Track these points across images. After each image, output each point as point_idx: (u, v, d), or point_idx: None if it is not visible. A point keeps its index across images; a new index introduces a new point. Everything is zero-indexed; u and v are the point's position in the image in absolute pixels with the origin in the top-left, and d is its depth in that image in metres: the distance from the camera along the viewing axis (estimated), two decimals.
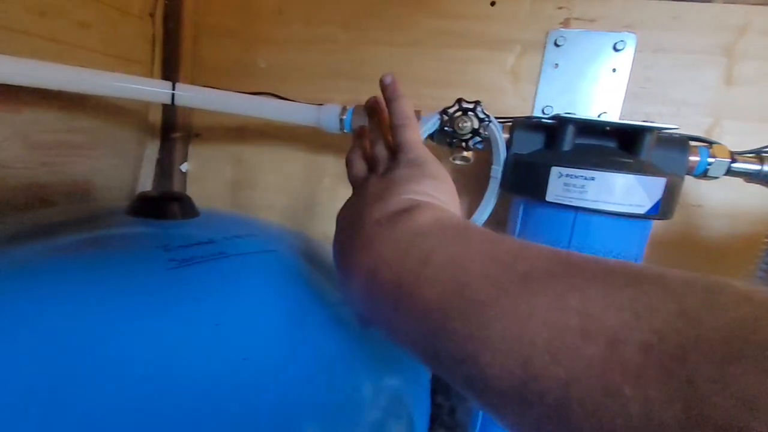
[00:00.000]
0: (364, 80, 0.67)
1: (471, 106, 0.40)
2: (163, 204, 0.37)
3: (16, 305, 0.24)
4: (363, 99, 0.67)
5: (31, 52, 0.45)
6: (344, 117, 0.55)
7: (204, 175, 0.78)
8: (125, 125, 0.65)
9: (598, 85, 0.57)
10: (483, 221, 0.52)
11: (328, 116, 0.56)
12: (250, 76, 0.71)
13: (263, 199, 0.76)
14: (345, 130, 0.56)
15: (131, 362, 0.23)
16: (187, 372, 0.24)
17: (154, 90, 0.53)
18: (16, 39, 0.45)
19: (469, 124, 0.41)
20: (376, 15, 0.66)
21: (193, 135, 0.77)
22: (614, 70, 0.56)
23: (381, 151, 0.30)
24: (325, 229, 0.73)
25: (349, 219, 0.27)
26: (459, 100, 0.41)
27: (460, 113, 0.40)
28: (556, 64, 0.59)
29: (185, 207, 0.39)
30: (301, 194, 0.74)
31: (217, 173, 0.77)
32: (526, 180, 0.45)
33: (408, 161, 0.27)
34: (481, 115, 0.41)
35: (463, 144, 0.42)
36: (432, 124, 0.42)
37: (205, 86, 0.62)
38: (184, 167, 0.78)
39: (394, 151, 0.29)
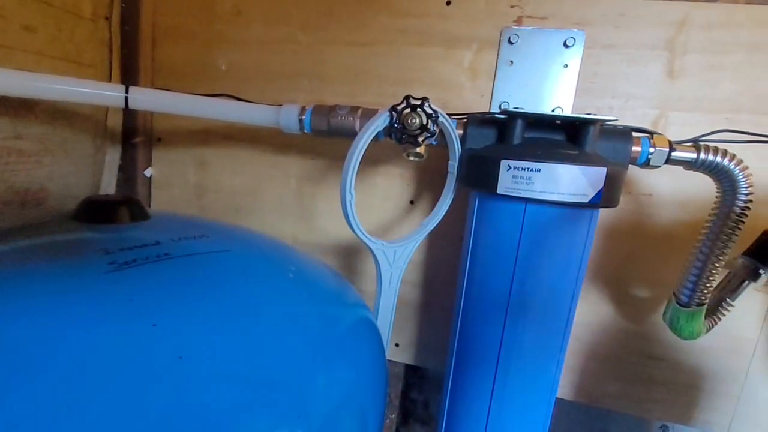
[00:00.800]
0: (325, 80, 0.68)
1: (419, 102, 0.41)
2: (110, 208, 0.37)
3: None
4: (325, 99, 0.67)
5: None
6: (303, 117, 0.55)
7: (169, 180, 0.77)
8: (80, 130, 0.63)
9: (551, 81, 0.59)
10: (441, 216, 0.53)
11: (287, 117, 0.56)
12: (211, 78, 0.71)
13: (229, 202, 0.75)
14: (305, 131, 0.56)
15: (65, 364, 0.23)
16: (122, 371, 0.24)
17: (106, 93, 0.52)
18: None
19: (418, 120, 0.41)
20: (335, 15, 0.66)
21: (155, 139, 0.75)
22: (566, 65, 0.58)
23: None
24: (293, 230, 0.73)
25: None
26: (407, 97, 0.42)
27: (408, 110, 0.41)
28: (511, 61, 0.60)
29: (134, 210, 0.38)
30: (267, 196, 0.73)
31: (182, 177, 0.76)
32: (479, 174, 0.46)
33: None
34: (429, 111, 0.41)
35: (413, 140, 0.43)
36: (382, 121, 0.42)
37: (163, 89, 0.61)
38: (148, 172, 0.77)
39: None
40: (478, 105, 0.62)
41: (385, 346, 0.50)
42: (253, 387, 0.27)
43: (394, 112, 0.42)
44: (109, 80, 0.68)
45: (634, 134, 0.46)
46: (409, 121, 0.41)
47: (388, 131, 0.45)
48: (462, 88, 0.63)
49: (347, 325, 0.39)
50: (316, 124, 0.55)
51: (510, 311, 0.47)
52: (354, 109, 0.53)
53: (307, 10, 0.66)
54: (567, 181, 0.40)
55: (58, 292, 0.27)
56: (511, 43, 0.59)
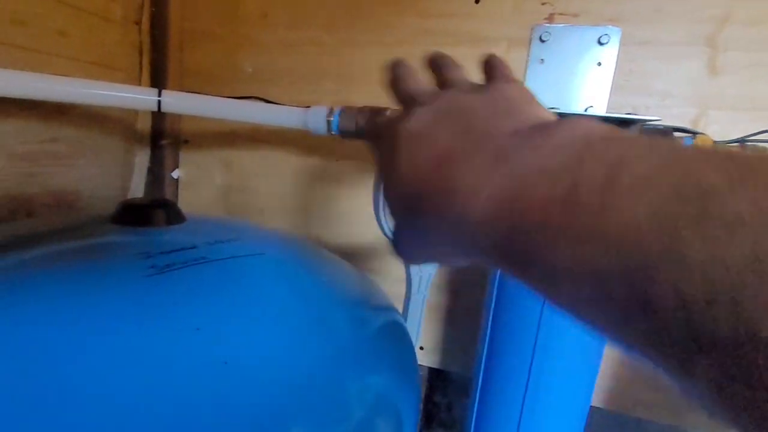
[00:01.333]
0: (351, 81, 0.67)
1: None
2: (147, 211, 0.37)
3: None
4: (351, 100, 0.67)
5: (8, 62, 0.45)
6: (331, 119, 0.55)
7: (196, 182, 0.78)
8: (112, 133, 0.64)
9: (584, 79, 0.57)
10: None
11: (315, 118, 0.56)
12: (238, 81, 0.71)
13: (255, 203, 0.76)
14: (332, 132, 0.56)
15: (109, 369, 0.23)
16: (166, 376, 0.24)
17: (140, 97, 0.53)
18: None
19: None
20: (361, 16, 0.65)
21: (182, 141, 0.76)
22: (599, 63, 0.56)
23: (461, 76, 0.25)
24: (318, 231, 0.73)
25: (443, 135, 0.21)
26: None
27: None
28: (542, 60, 0.59)
29: (170, 213, 0.38)
30: (293, 197, 0.73)
31: (209, 179, 0.77)
32: None
33: (515, 84, 0.22)
34: None
35: None
36: None
37: (192, 92, 0.62)
38: (175, 174, 0.78)
39: (486, 78, 0.25)
40: None
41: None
42: (294, 391, 0.27)
43: None
44: (139, 84, 0.69)
45: (676, 134, 0.44)
46: None
47: None
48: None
49: (381, 329, 0.39)
50: (345, 124, 0.54)
51: (544, 313, 0.46)
52: (382, 110, 0.52)
53: (332, 11, 0.66)
54: None
55: (101, 294, 0.27)
56: (542, 41, 0.58)
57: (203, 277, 0.30)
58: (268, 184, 0.74)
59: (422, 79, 0.26)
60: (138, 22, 0.67)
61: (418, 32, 0.63)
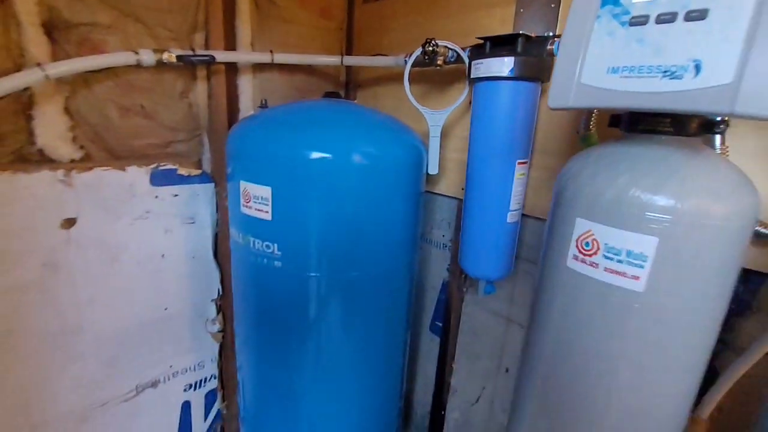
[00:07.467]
0: (431, 34, 1.26)
1: (431, 42, 0.96)
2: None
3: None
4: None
5: (298, 36, 1.28)
6: (407, 58, 1.17)
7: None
8: (326, 80, 1.45)
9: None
10: (460, 101, 1.05)
11: (399, 60, 1.19)
12: (381, 49, 1.40)
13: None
14: (409, 65, 1.18)
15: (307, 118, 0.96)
16: (338, 119, 0.95)
17: (333, 59, 1.28)
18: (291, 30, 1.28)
19: (432, 49, 0.97)
20: (438, 5, 1.23)
21: (357, 85, 1.52)
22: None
23: None
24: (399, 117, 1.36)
25: None
26: (428, 40, 0.98)
27: (428, 46, 0.98)
28: (521, 10, 1.03)
29: None
30: (390, 103, 1.39)
31: (370, 103, 1.50)
32: (472, 70, 0.97)
33: None
34: (434, 45, 0.97)
35: (433, 59, 0.99)
36: (418, 51, 1.00)
37: (359, 56, 1.34)
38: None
39: None
40: None
41: (428, 169, 1.08)
42: (368, 145, 0.93)
43: (422, 47, 0.99)
44: (341, 56, 1.47)
45: None
46: (428, 50, 0.97)
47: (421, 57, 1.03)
48: (495, 30, 1.09)
49: (414, 139, 1.01)
50: (418, 61, 1.15)
51: None
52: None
53: (424, 3, 1.26)
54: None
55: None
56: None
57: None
58: (391, 98, 1.41)
59: None
60: (341, 29, 1.45)
61: (458, 7, 1.16)
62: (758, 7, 0.40)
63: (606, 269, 0.57)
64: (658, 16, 0.46)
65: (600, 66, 0.51)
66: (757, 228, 0.70)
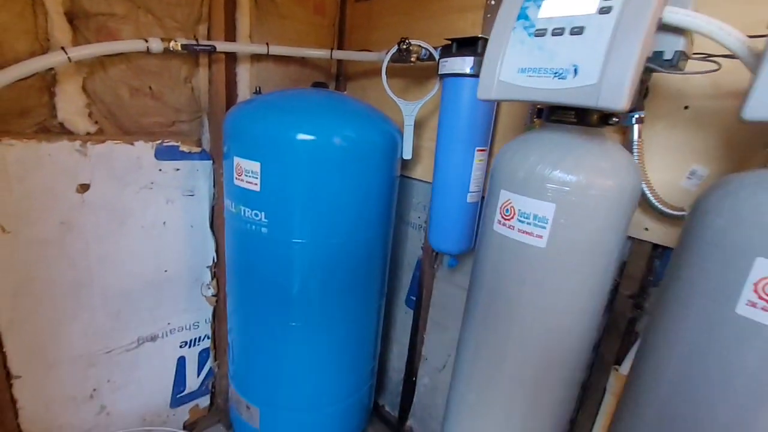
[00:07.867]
0: (411, 35, 1.39)
1: (405, 40, 1.10)
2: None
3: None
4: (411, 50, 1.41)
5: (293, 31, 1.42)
6: (387, 55, 1.31)
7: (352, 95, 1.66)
8: (317, 72, 1.58)
9: None
10: (431, 94, 1.19)
11: (381, 55, 1.33)
12: (368, 44, 1.54)
13: (373, 102, 1.59)
14: (389, 61, 1.32)
15: (299, 105, 1.10)
16: (320, 104, 1.09)
17: (323, 52, 1.42)
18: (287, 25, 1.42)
19: (406, 47, 1.11)
20: (418, 6, 1.36)
21: (348, 77, 1.65)
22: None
23: None
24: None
25: None
26: (402, 39, 1.11)
27: (403, 45, 1.11)
28: (489, 15, 1.17)
29: None
30: (371, 94, 1.53)
31: (358, 93, 1.64)
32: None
33: None
34: (408, 44, 1.10)
35: (407, 57, 1.12)
36: (393, 49, 1.14)
37: (349, 50, 1.48)
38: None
39: None
40: None
41: (401, 154, 1.22)
42: (347, 130, 1.07)
43: (398, 45, 1.12)
44: (331, 50, 1.60)
45: None
46: (403, 48, 1.11)
47: (397, 54, 1.16)
48: (467, 32, 1.23)
49: (390, 127, 1.15)
50: (395, 57, 1.29)
51: None
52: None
53: (408, 5, 1.39)
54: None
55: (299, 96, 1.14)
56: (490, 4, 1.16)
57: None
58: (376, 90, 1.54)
59: None
60: (333, 25, 1.58)
61: (436, 10, 1.30)
62: (615, 28, 0.53)
63: (519, 230, 0.71)
64: (553, 30, 0.60)
65: (513, 66, 0.65)
66: (661, 207, 0.85)
